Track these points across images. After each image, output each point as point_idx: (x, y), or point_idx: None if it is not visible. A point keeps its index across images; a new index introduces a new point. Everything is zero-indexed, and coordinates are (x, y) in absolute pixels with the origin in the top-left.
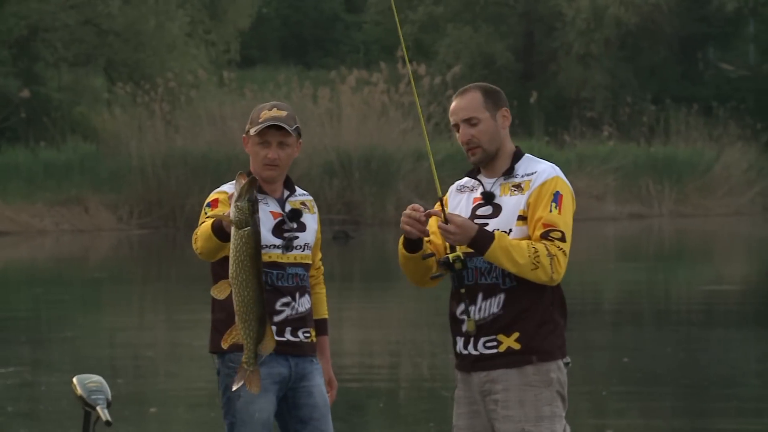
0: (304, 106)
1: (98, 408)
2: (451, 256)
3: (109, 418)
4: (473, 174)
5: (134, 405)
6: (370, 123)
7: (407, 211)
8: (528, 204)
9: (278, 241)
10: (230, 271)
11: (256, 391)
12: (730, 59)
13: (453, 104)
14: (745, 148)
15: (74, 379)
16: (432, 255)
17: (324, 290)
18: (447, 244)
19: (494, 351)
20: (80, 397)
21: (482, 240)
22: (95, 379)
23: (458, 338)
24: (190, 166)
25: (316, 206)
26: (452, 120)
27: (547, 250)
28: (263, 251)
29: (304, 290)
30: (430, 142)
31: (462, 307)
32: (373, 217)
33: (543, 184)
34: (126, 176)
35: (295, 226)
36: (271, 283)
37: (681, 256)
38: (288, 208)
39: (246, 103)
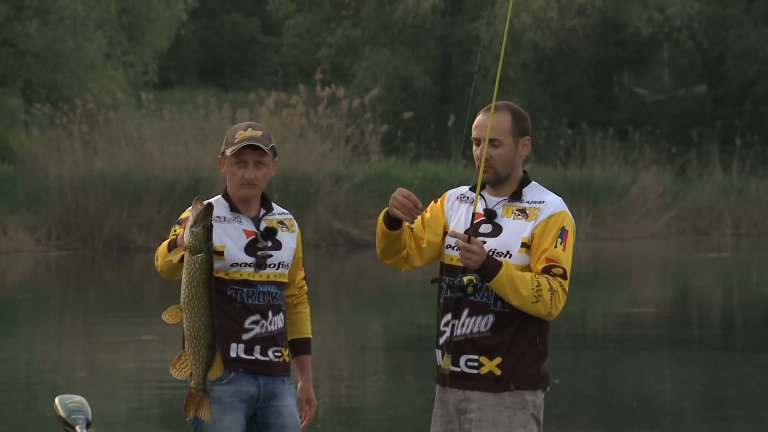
0: (222, 128)
1: (77, 428)
2: (465, 279)
3: None
4: (475, 188)
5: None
6: (289, 145)
7: (401, 196)
8: (533, 234)
9: (250, 260)
10: (182, 296)
11: (207, 418)
12: (644, 84)
13: (480, 118)
14: (660, 172)
15: (56, 400)
16: (439, 279)
17: (307, 309)
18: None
19: (474, 372)
20: (61, 418)
21: (491, 266)
22: (76, 400)
23: (438, 351)
24: (109, 187)
25: (296, 225)
26: (474, 134)
27: (549, 284)
28: (235, 269)
29: (277, 309)
30: (348, 165)
31: (446, 319)
32: None
33: (550, 217)
34: (44, 198)
35: (269, 244)
36: (241, 300)
37: (597, 280)
38: (263, 226)
39: (165, 125)
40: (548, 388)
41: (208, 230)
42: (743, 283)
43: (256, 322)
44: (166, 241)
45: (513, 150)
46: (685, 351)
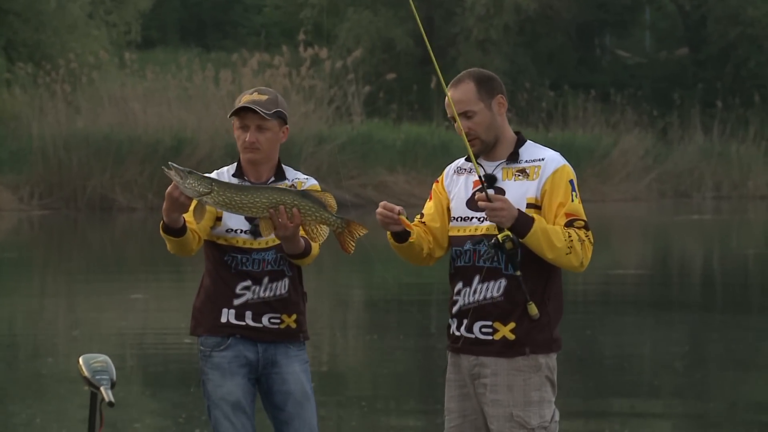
0: (205, 89)
1: (102, 389)
2: (500, 236)
3: (112, 399)
4: (470, 158)
5: (67, 383)
6: None
7: (380, 210)
8: (542, 192)
9: (247, 226)
10: (252, 214)
11: (364, 232)
12: (626, 46)
13: (448, 96)
14: (641, 135)
15: (80, 359)
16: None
17: (312, 247)
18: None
19: (489, 338)
20: (85, 378)
21: (525, 221)
22: (101, 359)
23: (452, 320)
24: (92, 147)
25: (310, 184)
26: (448, 112)
27: (578, 235)
28: (231, 235)
29: (277, 275)
30: (331, 126)
31: (457, 287)
32: None
33: (555, 173)
34: (27, 157)
35: None
36: (235, 266)
37: None
38: None
39: (147, 85)
40: (560, 350)
41: (189, 171)
42: (724, 245)
43: (247, 288)
44: (165, 235)
45: (488, 113)
46: (669, 312)
